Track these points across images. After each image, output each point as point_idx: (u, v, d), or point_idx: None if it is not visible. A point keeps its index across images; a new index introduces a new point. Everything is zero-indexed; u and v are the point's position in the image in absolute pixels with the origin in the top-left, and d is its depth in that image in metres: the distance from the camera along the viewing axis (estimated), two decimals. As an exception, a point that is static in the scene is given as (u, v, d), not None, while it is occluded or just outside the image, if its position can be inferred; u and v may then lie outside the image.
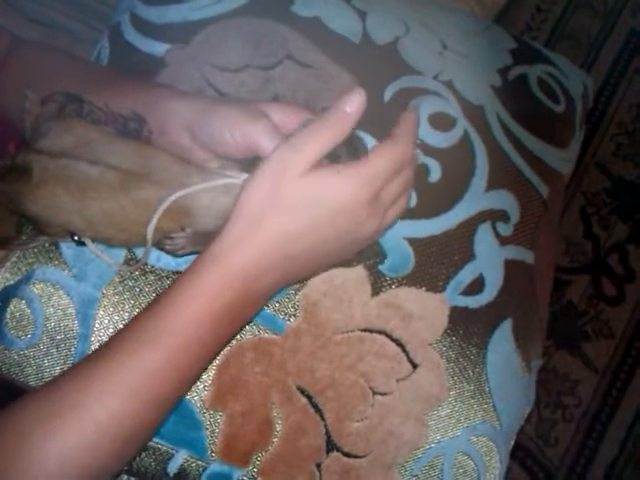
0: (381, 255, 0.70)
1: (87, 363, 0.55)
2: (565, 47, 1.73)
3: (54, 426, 0.51)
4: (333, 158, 0.59)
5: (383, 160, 0.55)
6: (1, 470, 0.50)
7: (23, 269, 0.68)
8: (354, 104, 0.54)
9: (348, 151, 0.59)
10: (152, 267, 0.68)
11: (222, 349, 0.60)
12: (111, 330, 0.67)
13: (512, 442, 0.74)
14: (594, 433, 1.43)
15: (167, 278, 0.68)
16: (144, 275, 0.68)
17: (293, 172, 0.53)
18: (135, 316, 0.57)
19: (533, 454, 1.39)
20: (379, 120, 0.70)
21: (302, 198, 0.54)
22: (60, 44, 1.21)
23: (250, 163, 0.62)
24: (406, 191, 0.60)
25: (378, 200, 0.56)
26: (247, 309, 0.58)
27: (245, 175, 0.61)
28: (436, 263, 0.71)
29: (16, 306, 0.67)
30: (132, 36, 0.78)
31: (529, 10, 1.76)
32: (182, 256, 0.66)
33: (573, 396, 1.44)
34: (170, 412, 0.58)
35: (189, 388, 0.59)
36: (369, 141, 0.72)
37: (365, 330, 0.68)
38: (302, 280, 0.66)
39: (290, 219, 0.54)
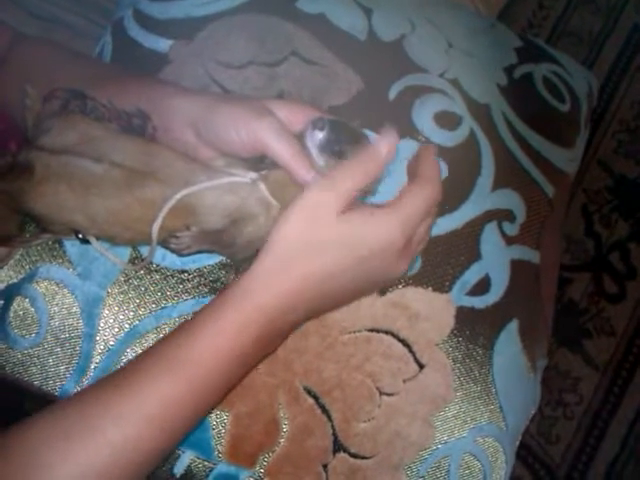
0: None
1: (103, 386, 0.54)
2: (567, 44, 1.73)
3: (67, 448, 0.50)
4: (340, 156, 0.58)
5: (417, 202, 0.56)
6: None
7: (27, 267, 0.68)
8: (388, 143, 0.55)
9: (355, 149, 0.59)
10: (157, 266, 0.68)
11: (243, 378, 0.59)
12: (116, 329, 0.66)
13: (517, 442, 0.74)
14: (595, 431, 1.43)
15: (172, 277, 0.67)
16: (149, 274, 0.67)
17: (327, 210, 0.54)
18: (155, 343, 0.56)
19: (534, 452, 1.39)
20: (384, 118, 0.69)
21: (336, 240, 0.54)
22: (60, 38, 1.21)
23: (256, 161, 0.61)
24: (430, 228, 0.61)
25: (409, 244, 0.57)
26: (271, 343, 0.58)
27: (251, 173, 0.60)
28: (442, 263, 0.71)
29: (20, 305, 0.67)
30: (135, 32, 0.77)
31: (531, 7, 1.76)
32: (188, 255, 0.65)
33: (574, 394, 1.44)
34: (184, 437, 0.57)
35: (205, 414, 0.58)
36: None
37: (372, 330, 0.68)
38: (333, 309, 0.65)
39: (323, 261, 0.54)
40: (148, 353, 0.55)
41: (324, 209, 0.54)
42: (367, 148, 0.56)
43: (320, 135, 0.57)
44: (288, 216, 0.54)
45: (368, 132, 0.71)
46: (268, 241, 0.55)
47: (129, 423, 0.51)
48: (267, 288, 0.54)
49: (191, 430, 0.57)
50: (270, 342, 0.58)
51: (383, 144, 0.55)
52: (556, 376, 1.43)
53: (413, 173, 0.59)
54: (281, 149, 0.57)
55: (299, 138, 0.59)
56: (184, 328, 0.55)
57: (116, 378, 0.54)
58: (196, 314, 0.56)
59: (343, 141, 0.58)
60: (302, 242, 0.54)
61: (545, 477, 1.39)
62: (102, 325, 0.66)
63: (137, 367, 0.54)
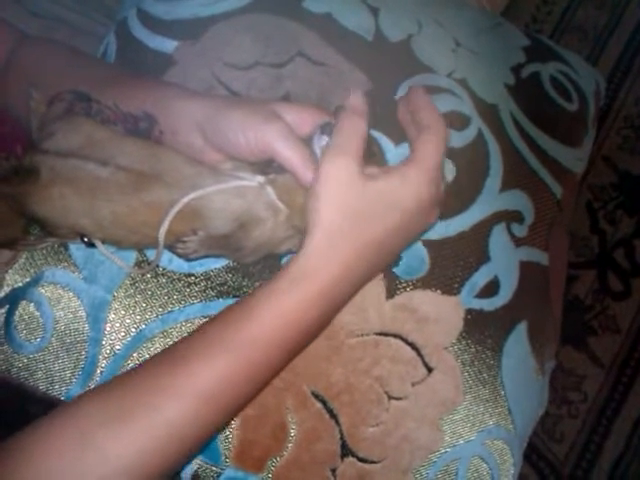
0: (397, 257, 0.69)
1: (155, 366, 0.54)
2: (571, 39, 1.72)
3: (122, 427, 0.50)
4: None
5: (433, 150, 0.57)
6: (64, 472, 0.49)
7: (32, 271, 0.67)
8: (355, 96, 0.59)
9: (364, 154, 0.59)
10: (164, 269, 0.67)
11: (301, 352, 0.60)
12: (122, 333, 0.66)
13: (525, 444, 0.73)
14: (600, 428, 1.43)
15: (179, 281, 0.67)
16: (156, 278, 0.67)
17: (351, 175, 0.54)
18: (206, 323, 0.57)
19: (539, 450, 1.39)
20: (392, 119, 0.69)
21: (375, 206, 0.55)
22: (61, 37, 1.20)
23: (264, 165, 0.61)
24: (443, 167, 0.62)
25: (438, 191, 0.59)
26: (329, 318, 0.59)
27: (259, 177, 0.60)
28: (451, 265, 0.70)
29: (25, 309, 0.66)
30: (140, 32, 0.76)
31: (535, 2, 1.75)
32: (194, 259, 0.65)
33: (579, 391, 1.44)
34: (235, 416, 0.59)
35: (260, 392, 0.59)
36: (384, 142, 0.71)
37: (380, 334, 0.67)
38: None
39: (369, 226, 0.55)
40: (201, 333, 0.56)
41: (347, 174, 0.55)
42: (343, 109, 0.58)
43: (327, 139, 0.57)
44: (319, 194, 0.55)
45: (377, 134, 0.71)
46: (309, 223, 0.55)
47: (186, 400, 0.52)
48: (325, 266, 0.55)
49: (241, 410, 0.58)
50: (329, 317, 0.59)
51: (353, 99, 0.58)
52: (560, 374, 1.43)
53: (410, 121, 0.61)
54: (288, 153, 0.57)
55: (307, 142, 0.59)
56: (239, 310, 0.56)
57: (168, 357, 0.55)
58: (249, 297, 0.56)
59: None
60: (342, 215, 0.55)
61: (549, 475, 1.39)
62: (108, 329, 0.66)
63: (192, 346, 0.55)
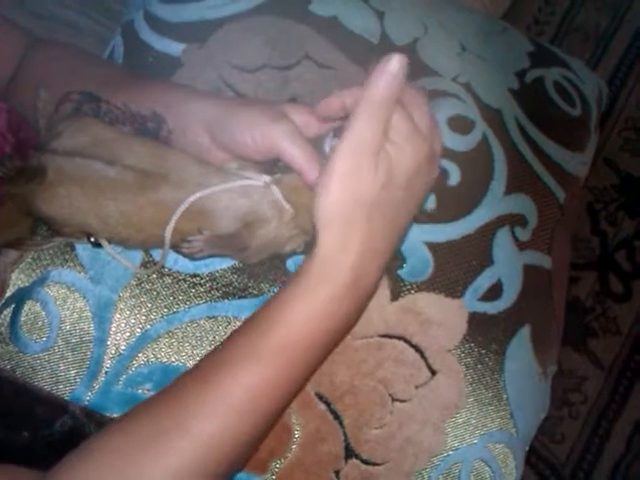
0: (400, 260, 0.69)
1: (186, 382, 0.55)
2: (573, 40, 1.72)
3: (169, 442, 0.51)
4: None
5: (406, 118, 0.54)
6: None
7: (38, 271, 0.68)
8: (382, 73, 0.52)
9: None
10: (169, 270, 0.67)
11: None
12: (127, 333, 0.66)
13: (527, 448, 0.74)
14: (600, 430, 1.43)
15: (184, 281, 0.67)
16: (161, 278, 0.67)
17: (365, 171, 0.52)
18: (235, 332, 0.56)
19: (539, 451, 1.39)
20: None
21: (383, 191, 0.53)
22: (62, 37, 1.21)
23: (270, 165, 0.61)
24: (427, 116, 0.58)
25: (428, 149, 0.56)
26: (358, 313, 0.58)
27: (265, 177, 0.60)
28: (455, 268, 0.71)
29: (31, 308, 0.67)
30: (147, 35, 0.77)
31: (537, 3, 1.75)
32: (200, 259, 0.65)
33: (579, 393, 1.44)
34: (279, 420, 0.59)
35: (296, 396, 0.58)
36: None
37: (384, 336, 0.67)
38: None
39: (379, 209, 0.54)
40: (230, 344, 0.55)
41: (360, 170, 0.52)
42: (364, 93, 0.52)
43: None
44: (329, 189, 0.53)
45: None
46: (322, 216, 0.53)
47: (219, 417, 0.52)
48: (345, 259, 0.53)
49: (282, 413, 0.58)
50: (359, 311, 0.58)
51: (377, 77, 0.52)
52: (561, 375, 1.43)
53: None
54: (295, 152, 0.57)
55: (314, 142, 0.59)
56: (264, 317, 0.55)
57: (201, 373, 0.55)
58: (271, 303, 0.55)
59: None
60: (355, 203, 0.53)
61: (550, 477, 1.39)
62: (113, 329, 0.66)
63: (222, 359, 0.54)
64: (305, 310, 0.53)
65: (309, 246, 0.63)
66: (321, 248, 0.54)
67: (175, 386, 0.55)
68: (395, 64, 0.51)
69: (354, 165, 0.52)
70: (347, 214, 0.53)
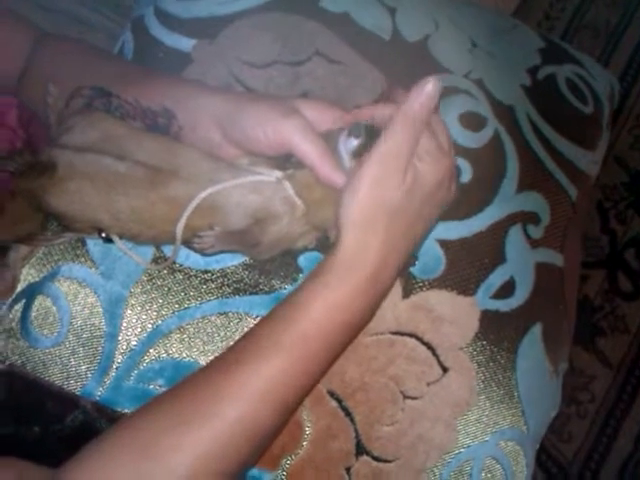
0: (413, 257, 0.69)
1: (210, 373, 0.55)
2: (583, 37, 1.71)
3: (181, 436, 0.51)
4: (355, 156, 0.58)
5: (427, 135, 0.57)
6: None
7: (48, 266, 0.68)
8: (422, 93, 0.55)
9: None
10: (180, 266, 0.67)
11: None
12: (139, 329, 0.66)
13: (537, 446, 0.73)
14: (608, 429, 1.42)
15: (195, 277, 0.67)
16: (172, 274, 0.67)
17: (395, 181, 0.55)
18: (257, 325, 0.58)
19: (547, 449, 1.39)
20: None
21: (408, 200, 0.56)
22: (70, 32, 1.21)
23: (281, 160, 0.61)
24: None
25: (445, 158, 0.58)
26: (374, 309, 0.60)
27: (276, 172, 0.60)
28: (467, 266, 0.70)
29: (42, 303, 0.67)
30: (157, 31, 0.76)
31: (547, -1, 1.74)
32: (211, 255, 0.65)
33: (587, 392, 1.44)
34: (292, 416, 0.59)
35: (315, 386, 0.59)
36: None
37: (395, 333, 0.67)
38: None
39: (400, 216, 0.56)
40: (251, 335, 0.57)
41: (391, 180, 0.55)
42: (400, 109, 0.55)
43: (355, 142, 0.57)
44: (357, 191, 0.55)
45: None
46: (344, 215, 0.56)
47: (245, 404, 0.53)
48: (366, 259, 0.56)
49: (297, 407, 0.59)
50: (374, 306, 0.59)
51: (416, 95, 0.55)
52: (569, 374, 1.41)
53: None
54: (308, 149, 0.57)
55: (326, 138, 0.59)
56: (286, 308, 0.56)
57: (223, 363, 0.56)
58: (294, 295, 0.57)
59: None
60: (378, 207, 0.55)
61: (557, 475, 1.39)
62: (125, 325, 0.66)
63: (244, 349, 0.56)
64: (324, 302, 0.55)
65: (321, 242, 0.63)
66: (343, 246, 0.56)
67: (197, 377, 0.55)
68: (432, 87, 0.55)
69: (384, 172, 0.55)
70: (371, 217, 0.55)
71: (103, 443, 0.52)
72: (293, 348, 0.54)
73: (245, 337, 0.57)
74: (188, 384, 0.55)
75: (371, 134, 0.57)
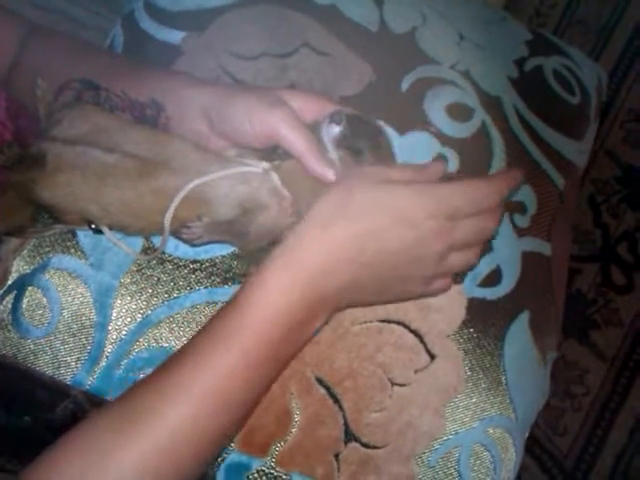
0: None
1: (161, 370, 0.55)
2: (575, 33, 1.71)
3: (127, 434, 0.51)
4: (355, 153, 0.58)
5: (461, 191, 0.57)
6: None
7: (39, 258, 0.68)
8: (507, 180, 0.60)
9: (371, 146, 0.59)
10: (170, 256, 0.68)
11: (289, 360, 0.60)
12: (128, 319, 0.66)
13: (527, 433, 0.74)
14: (603, 422, 1.43)
15: (184, 267, 0.68)
16: (161, 264, 0.68)
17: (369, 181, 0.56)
18: (207, 322, 0.57)
19: (541, 443, 1.39)
20: (396, 110, 0.69)
21: (369, 205, 0.55)
22: (63, 30, 1.21)
23: (269, 152, 0.61)
24: (478, 242, 0.61)
25: (446, 226, 0.56)
26: (315, 315, 0.58)
27: (264, 163, 0.60)
28: (454, 254, 0.71)
29: (32, 295, 0.67)
30: (147, 24, 0.77)
31: (538, -5, 1.75)
32: (199, 245, 0.66)
33: (582, 385, 1.44)
34: (244, 418, 0.59)
35: (259, 393, 0.58)
36: (390, 132, 0.71)
37: (384, 321, 0.68)
38: (370, 301, 0.65)
39: (357, 225, 0.55)
40: (201, 331, 0.57)
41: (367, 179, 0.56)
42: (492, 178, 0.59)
43: (337, 129, 0.58)
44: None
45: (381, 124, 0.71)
46: (310, 210, 0.56)
47: (184, 401, 0.52)
48: (309, 250, 0.55)
49: (251, 410, 0.59)
50: (313, 311, 0.57)
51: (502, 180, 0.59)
52: (563, 367, 1.43)
53: None
54: (293, 138, 0.58)
55: (312, 129, 0.60)
56: (234, 299, 0.56)
57: (172, 359, 0.56)
58: (242, 287, 0.57)
59: (359, 136, 0.58)
60: (339, 209, 0.55)
61: (552, 468, 1.39)
62: (114, 315, 0.67)
63: (192, 344, 0.56)
64: (260, 292, 0.55)
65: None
66: (293, 239, 0.56)
67: (152, 375, 0.55)
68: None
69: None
70: (329, 216, 0.56)
71: (59, 442, 0.52)
72: (234, 343, 0.54)
73: (197, 334, 0.57)
74: (142, 381, 0.55)
75: (351, 122, 0.57)
